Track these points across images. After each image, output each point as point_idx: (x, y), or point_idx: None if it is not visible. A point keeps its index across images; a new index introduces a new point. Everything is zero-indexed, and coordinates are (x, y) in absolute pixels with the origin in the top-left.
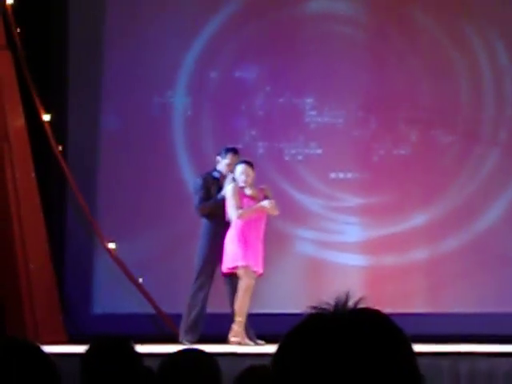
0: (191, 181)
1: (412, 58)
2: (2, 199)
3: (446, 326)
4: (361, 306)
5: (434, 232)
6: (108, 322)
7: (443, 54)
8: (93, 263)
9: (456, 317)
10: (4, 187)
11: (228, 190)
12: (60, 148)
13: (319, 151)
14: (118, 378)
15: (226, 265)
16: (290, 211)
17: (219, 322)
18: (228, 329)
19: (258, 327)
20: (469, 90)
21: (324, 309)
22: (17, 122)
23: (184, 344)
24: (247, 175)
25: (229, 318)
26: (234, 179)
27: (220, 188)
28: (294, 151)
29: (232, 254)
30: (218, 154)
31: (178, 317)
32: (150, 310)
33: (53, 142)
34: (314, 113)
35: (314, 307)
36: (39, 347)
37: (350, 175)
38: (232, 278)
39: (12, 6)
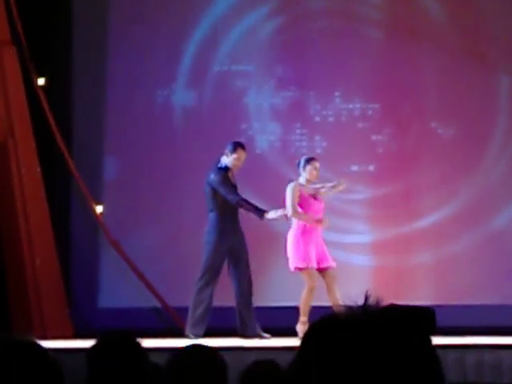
0: (195, 175)
1: (420, 51)
2: (7, 194)
3: (452, 317)
4: (380, 304)
5: (443, 228)
6: (114, 315)
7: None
8: (99, 257)
9: (463, 309)
10: (10, 182)
11: (290, 188)
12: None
13: (324, 144)
14: (124, 374)
15: (294, 264)
16: None
17: (224, 315)
18: (232, 321)
19: (263, 320)
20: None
21: (348, 309)
22: (22, 117)
23: (190, 338)
24: (318, 170)
25: (233, 311)
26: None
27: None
28: (298, 144)
29: (296, 254)
30: (226, 149)
31: (184, 310)
32: (156, 303)
33: (58, 135)
34: (318, 106)
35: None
36: (38, 344)
37: (355, 167)
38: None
39: (16, 1)
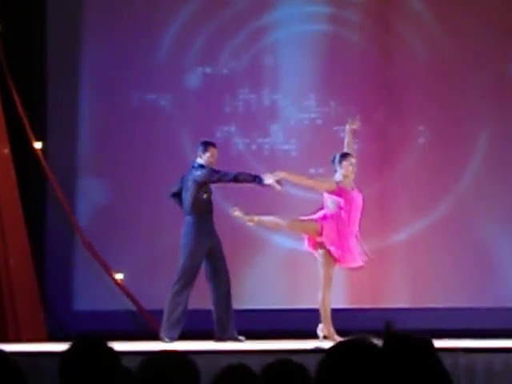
0: (171, 177)
1: (398, 52)
2: None
3: (446, 321)
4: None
5: (419, 235)
6: (89, 318)
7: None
8: (73, 260)
9: (452, 312)
10: None
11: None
12: (40, 145)
13: (299, 147)
14: (95, 378)
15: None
16: (273, 206)
17: (198, 318)
18: (207, 324)
19: (239, 324)
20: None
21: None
22: None
23: (165, 341)
24: (354, 166)
25: (209, 315)
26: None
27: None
28: (273, 147)
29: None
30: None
31: (158, 313)
32: (131, 306)
33: (32, 140)
34: (294, 109)
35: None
36: None
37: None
38: None
39: None
